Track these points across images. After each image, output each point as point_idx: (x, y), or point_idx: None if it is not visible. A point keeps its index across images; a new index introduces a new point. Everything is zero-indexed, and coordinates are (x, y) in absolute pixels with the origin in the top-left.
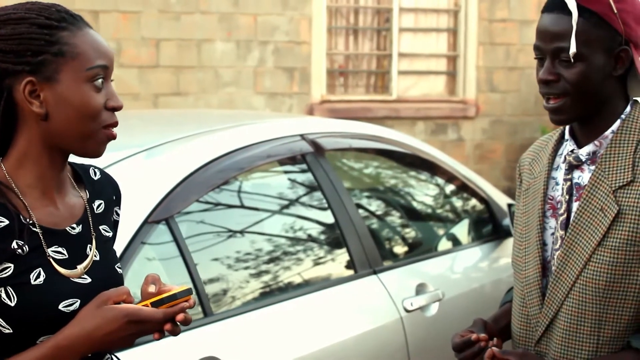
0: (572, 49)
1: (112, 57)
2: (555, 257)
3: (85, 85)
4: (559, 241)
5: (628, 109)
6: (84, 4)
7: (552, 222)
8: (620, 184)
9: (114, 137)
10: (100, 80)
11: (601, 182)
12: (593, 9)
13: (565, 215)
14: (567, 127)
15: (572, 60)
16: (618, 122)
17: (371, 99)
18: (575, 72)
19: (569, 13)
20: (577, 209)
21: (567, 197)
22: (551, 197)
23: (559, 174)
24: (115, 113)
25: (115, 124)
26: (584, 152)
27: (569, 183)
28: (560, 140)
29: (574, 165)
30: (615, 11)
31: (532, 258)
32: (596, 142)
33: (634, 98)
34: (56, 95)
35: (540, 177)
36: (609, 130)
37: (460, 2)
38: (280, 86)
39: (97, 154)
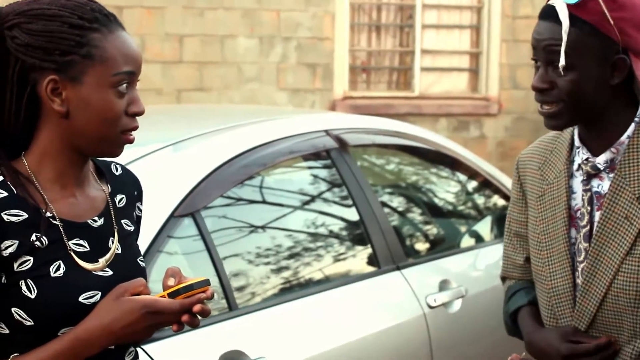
0: (561, 61)
1: (140, 62)
2: (580, 269)
3: (108, 90)
4: (583, 253)
5: None
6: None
7: (573, 233)
8: None
9: (131, 142)
10: (124, 85)
11: (623, 190)
12: (585, 19)
13: (588, 227)
14: (576, 134)
15: (562, 71)
16: (632, 126)
17: (393, 95)
18: (568, 81)
19: (560, 22)
20: (600, 218)
21: (588, 207)
22: (570, 207)
23: (576, 183)
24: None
25: (135, 129)
26: (601, 160)
27: (589, 193)
28: (571, 145)
29: (592, 174)
30: (611, 21)
31: (560, 268)
32: (613, 149)
33: None
34: (78, 96)
35: (558, 185)
36: (625, 136)
37: None
38: (303, 82)
39: (113, 155)
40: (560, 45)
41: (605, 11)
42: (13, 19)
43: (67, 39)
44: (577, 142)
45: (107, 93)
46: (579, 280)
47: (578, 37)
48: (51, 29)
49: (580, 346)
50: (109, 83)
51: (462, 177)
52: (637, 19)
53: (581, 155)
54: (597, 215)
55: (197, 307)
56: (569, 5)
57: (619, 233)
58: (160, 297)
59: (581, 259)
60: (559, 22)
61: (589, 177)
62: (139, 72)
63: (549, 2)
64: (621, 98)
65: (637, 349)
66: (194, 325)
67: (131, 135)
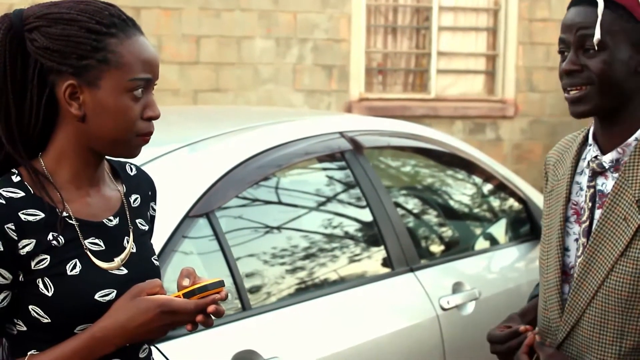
0: (597, 35)
1: (157, 67)
2: (577, 264)
3: (124, 95)
4: (582, 248)
5: None
6: (126, 1)
7: (575, 228)
8: None
9: (146, 143)
10: (140, 90)
11: (624, 191)
12: (620, 3)
13: (587, 223)
14: (591, 131)
15: (596, 48)
16: None
17: (409, 97)
18: (599, 61)
19: (596, 5)
20: (600, 217)
21: (590, 204)
22: (575, 202)
23: (583, 179)
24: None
25: (150, 133)
26: (607, 159)
27: (592, 190)
28: (584, 142)
29: (598, 172)
30: None
31: (553, 262)
32: (619, 149)
33: None
34: (95, 100)
35: (563, 180)
36: (633, 138)
37: (500, 1)
38: (319, 84)
39: (131, 157)
40: (593, 27)
41: None
42: (34, 22)
43: (84, 44)
44: (590, 140)
45: (122, 98)
46: (576, 276)
47: (612, 19)
48: (69, 33)
49: (494, 332)
50: (125, 87)
51: (477, 179)
52: None
53: (591, 152)
54: (598, 213)
55: (211, 308)
56: None
57: (616, 233)
58: (175, 297)
59: (579, 254)
60: (592, 6)
61: (594, 175)
62: (156, 77)
63: None
64: None
65: (623, 350)
66: (208, 325)
67: (147, 137)
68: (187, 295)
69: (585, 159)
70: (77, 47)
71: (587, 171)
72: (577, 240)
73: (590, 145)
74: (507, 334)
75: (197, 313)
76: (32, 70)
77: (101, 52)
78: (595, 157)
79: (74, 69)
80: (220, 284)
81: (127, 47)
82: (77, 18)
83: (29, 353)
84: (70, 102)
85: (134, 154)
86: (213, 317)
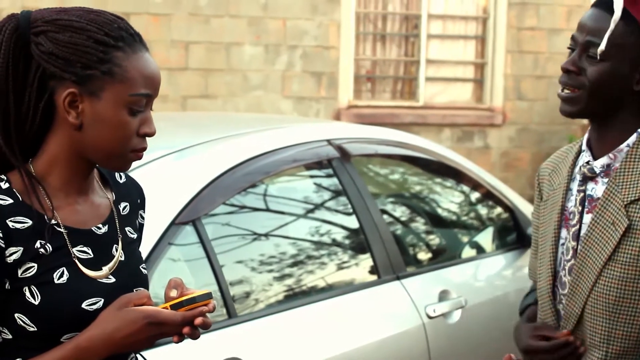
0: (602, 46)
1: (159, 84)
2: (567, 268)
3: (124, 109)
4: (570, 252)
5: None
6: (116, 6)
7: (563, 233)
8: (632, 198)
9: (139, 159)
10: (139, 106)
11: (614, 196)
12: (636, 17)
13: (577, 227)
14: (585, 138)
15: (599, 57)
16: (634, 137)
17: (398, 105)
18: (598, 70)
19: (612, 12)
20: (590, 222)
21: (579, 208)
22: (566, 208)
23: (574, 185)
24: None
25: (144, 149)
26: (598, 164)
27: (582, 194)
28: (580, 152)
29: (588, 177)
30: None
31: (545, 270)
32: (611, 155)
33: None
34: (94, 111)
35: (559, 189)
36: (625, 144)
37: (489, 10)
38: (308, 91)
39: (121, 170)
40: (601, 36)
41: None
42: (41, 26)
43: (90, 54)
44: (584, 146)
45: (122, 111)
46: (565, 279)
47: (623, 32)
48: (77, 41)
49: (539, 344)
50: (125, 101)
51: (464, 187)
52: None
53: (584, 158)
54: (588, 217)
55: (198, 320)
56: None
57: (604, 238)
58: (163, 308)
59: (568, 257)
60: (608, 12)
61: (585, 180)
62: (156, 94)
63: None
64: (635, 106)
65: (609, 354)
66: (195, 337)
67: (140, 153)
68: (174, 307)
69: (578, 164)
70: (83, 56)
71: (578, 176)
72: (564, 244)
73: (584, 151)
74: (557, 345)
75: (184, 325)
76: (34, 73)
77: (107, 64)
78: (587, 162)
79: (77, 77)
80: (208, 296)
81: (133, 62)
82: (86, 27)
83: None
84: (69, 110)
85: (125, 168)
86: (200, 330)
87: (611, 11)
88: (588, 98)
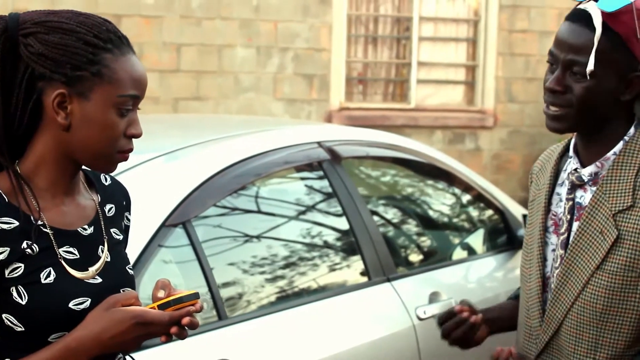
0: (590, 66)
1: (145, 86)
2: (555, 275)
3: (112, 110)
4: (559, 260)
5: (632, 131)
6: (107, 8)
7: (553, 239)
8: (620, 208)
9: (125, 160)
10: (127, 107)
11: (601, 205)
12: (617, 30)
13: (565, 235)
14: (572, 143)
15: (586, 77)
16: (621, 144)
17: (389, 107)
18: (584, 88)
19: (593, 28)
20: (577, 230)
21: (568, 216)
22: (555, 213)
23: (563, 191)
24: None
25: (130, 151)
26: (586, 172)
27: (570, 202)
28: (565, 153)
29: (577, 185)
30: (639, 36)
31: (534, 271)
32: (598, 163)
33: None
34: (82, 112)
35: (542, 190)
36: (611, 152)
37: (480, 12)
38: (300, 93)
39: (106, 171)
40: (584, 53)
41: (637, 26)
42: (30, 28)
43: (80, 55)
44: (571, 152)
45: (110, 112)
46: (553, 287)
47: (606, 48)
48: (66, 42)
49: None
50: (113, 102)
51: (455, 189)
52: None
53: (572, 164)
54: (575, 225)
55: (185, 320)
56: (603, 13)
57: (592, 246)
58: (150, 308)
59: (557, 264)
60: (588, 28)
61: (573, 187)
62: (143, 96)
63: (581, 6)
64: (621, 114)
65: None
66: (182, 337)
67: (126, 154)
68: (162, 307)
69: (566, 170)
70: (73, 57)
71: (567, 183)
72: (554, 250)
73: (571, 157)
74: (445, 314)
75: (172, 325)
76: (22, 74)
77: (96, 66)
78: (575, 169)
79: (66, 78)
80: (196, 296)
81: (121, 64)
82: (75, 29)
83: None
84: (57, 111)
85: (111, 169)
86: (188, 329)
87: (589, 25)
88: (576, 115)
